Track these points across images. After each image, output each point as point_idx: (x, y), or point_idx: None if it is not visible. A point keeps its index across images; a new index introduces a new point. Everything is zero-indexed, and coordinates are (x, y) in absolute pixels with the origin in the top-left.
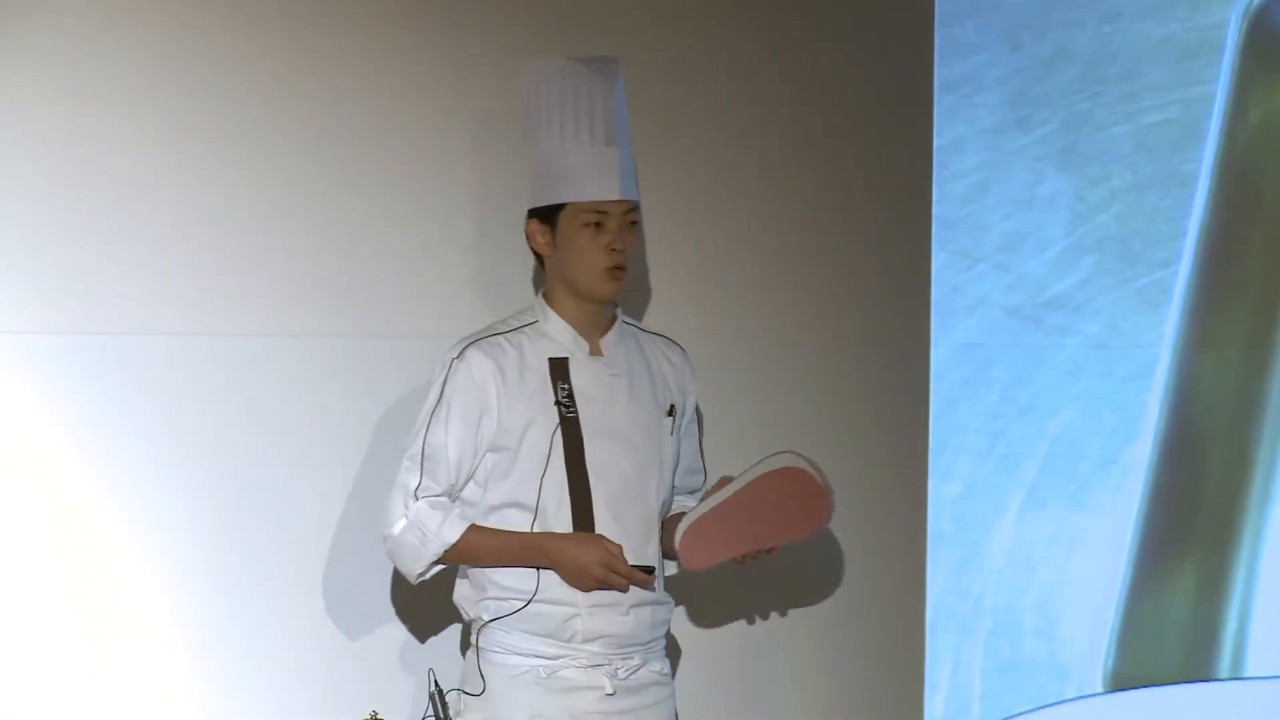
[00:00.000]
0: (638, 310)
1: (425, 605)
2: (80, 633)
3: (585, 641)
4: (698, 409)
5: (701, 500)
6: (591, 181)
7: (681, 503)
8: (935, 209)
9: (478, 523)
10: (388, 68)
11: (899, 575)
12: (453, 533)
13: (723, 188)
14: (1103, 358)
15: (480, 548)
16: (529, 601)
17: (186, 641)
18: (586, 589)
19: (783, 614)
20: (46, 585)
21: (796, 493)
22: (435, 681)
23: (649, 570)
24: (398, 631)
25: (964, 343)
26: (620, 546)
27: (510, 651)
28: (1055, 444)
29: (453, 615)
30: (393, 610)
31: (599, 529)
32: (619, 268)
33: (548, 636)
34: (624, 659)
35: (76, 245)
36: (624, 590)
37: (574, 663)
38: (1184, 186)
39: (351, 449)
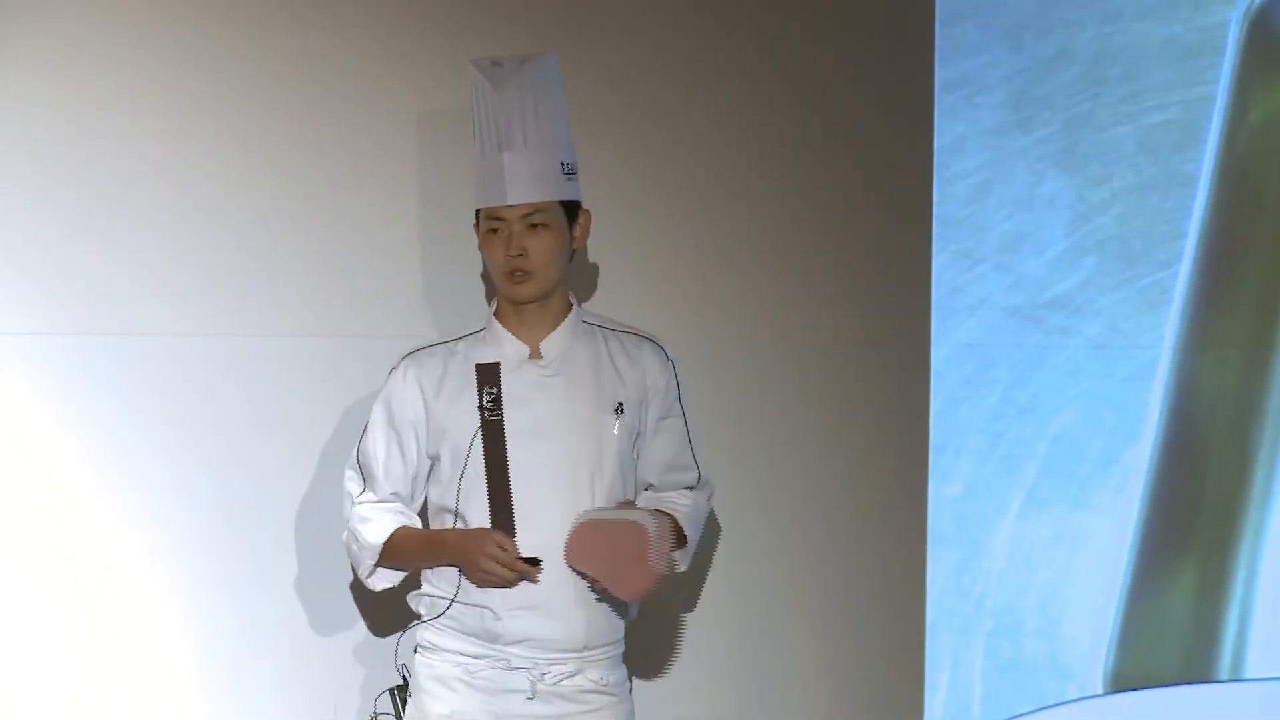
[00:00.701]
0: (637, 311)
1: None
2: (80, 632)
3: (509, 644)
4: (681, 404)
5: (616, 508)
6: (483, 188)
7: (667, 499)
8: (936, 209)
9: (432, 526)
10: (389, 67)
11: (899, 575)
12: (377, 537)
13: (723, 188)
14: (1103, 358)
15: (405, 549)
16: (451, 601)
17: (188, 641)
18: (478, 583)
19: (783, 614)
20: (47, 585)
21: (635, 553)
22: (403, 676)
23: (533, 562)
24: (398, 630)
25: (965, 343)
26: (512, 540)
27: (439, 649)
28: (1056, 444)
29: None
30: (393, 610)
31: (521, 531)
32: (520, 271)
33: (473, 636)
34: (554, 664)
35: (76, 245)
36: (511, 584)
37: (496, 664)
38: (1185, 187)
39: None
